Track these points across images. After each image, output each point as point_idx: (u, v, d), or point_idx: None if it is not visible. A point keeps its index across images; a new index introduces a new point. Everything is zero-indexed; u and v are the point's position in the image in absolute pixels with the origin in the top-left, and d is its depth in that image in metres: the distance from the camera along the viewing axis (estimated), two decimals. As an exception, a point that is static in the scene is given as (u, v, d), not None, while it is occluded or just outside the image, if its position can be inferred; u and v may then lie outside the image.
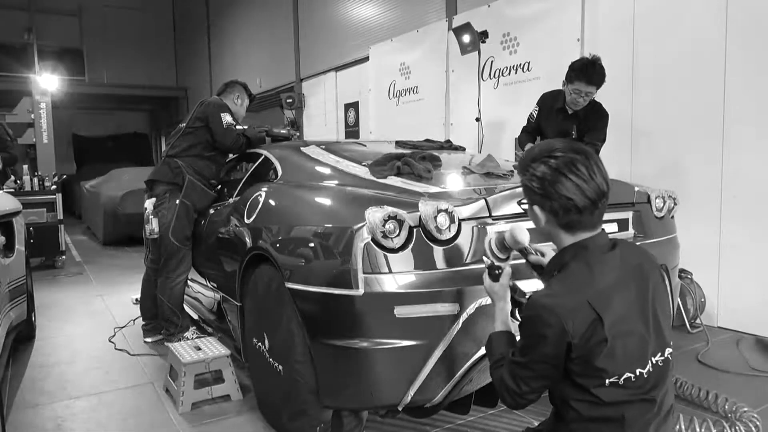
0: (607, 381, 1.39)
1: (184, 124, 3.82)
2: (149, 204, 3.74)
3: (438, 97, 6.34)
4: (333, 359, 2.13)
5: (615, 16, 4.50)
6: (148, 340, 3.94)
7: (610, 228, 2.55)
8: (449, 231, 2.05)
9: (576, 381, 1.42)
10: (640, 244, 2.58)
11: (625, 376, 1.39)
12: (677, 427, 2.34)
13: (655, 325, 1.45)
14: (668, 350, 1.47)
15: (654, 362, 1.43)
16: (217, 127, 3.68)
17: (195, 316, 4.11)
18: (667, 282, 1.51)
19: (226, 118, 3.70)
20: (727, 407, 2.57)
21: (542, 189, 1.46)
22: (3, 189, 6.15)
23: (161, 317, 3.78)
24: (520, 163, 1.58)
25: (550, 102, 3.87)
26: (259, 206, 2.77)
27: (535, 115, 3.99)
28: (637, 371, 1.40)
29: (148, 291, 3.93)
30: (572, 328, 1.36)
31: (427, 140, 3.90)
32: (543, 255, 1.80)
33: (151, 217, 3.69)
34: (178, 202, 3.64)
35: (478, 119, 5.23)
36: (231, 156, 4.09)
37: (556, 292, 1.44)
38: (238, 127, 3.79)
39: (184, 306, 3.89)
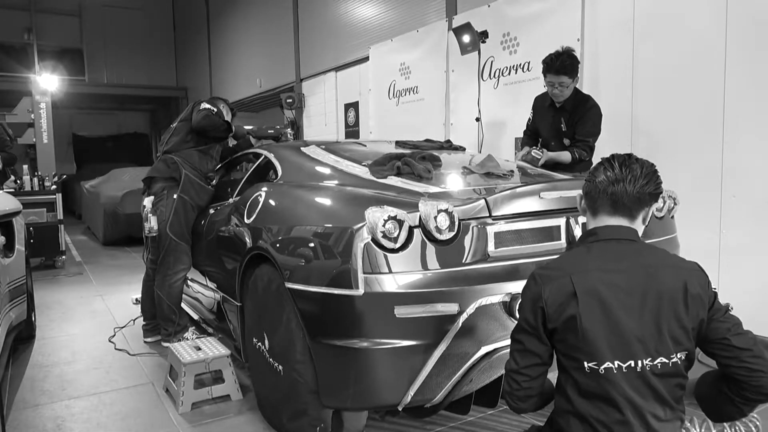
0: (586, 364, 1.41)
1: (176, 122, 3.88)
2: (147, 202, 3.75)
3: (438, 97, 6.33)
4: (333, 359, 2.13)
5: (615, 16, 4.49)
6: (148, 340, 3.95)
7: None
8: (449, 231, 2.05)
9: (562, 363, 1.47)
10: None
11: (605, 365, 1.40)
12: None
13: (656, 329, 1.42)
14: (664, 359, 1.42)
15: (642, 363, 1.41)
16: (195, 112, 3.75)
17: (195, 316, 4.11)
18: (693, 303, 1.45)
19: (205, 105, 3.76)
20: (727, 407, 2.57)
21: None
22: (3, 189, 6.15)
23: (159, 316, 3.78)
24: None
25: (541, 101, 3.95)
26: (259, 206, 2.77)
27: (531, 118, 4.06)
28: (617, 363, 1.41)
29: (148, 291, 3.93)
30: (547, 294, 1.45)
31: (427, 140, 3.90)
32: None
33: (149, 215, 3.70)
34: (175, 197, 3.66)
35: (478, 119, 5.23)
36: (231, 153, 4.10)
37: (549, 264, 1.55)
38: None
39: (183, 305, 3.89)
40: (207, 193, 3.80)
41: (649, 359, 1.42)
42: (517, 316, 1.55)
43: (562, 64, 3.58)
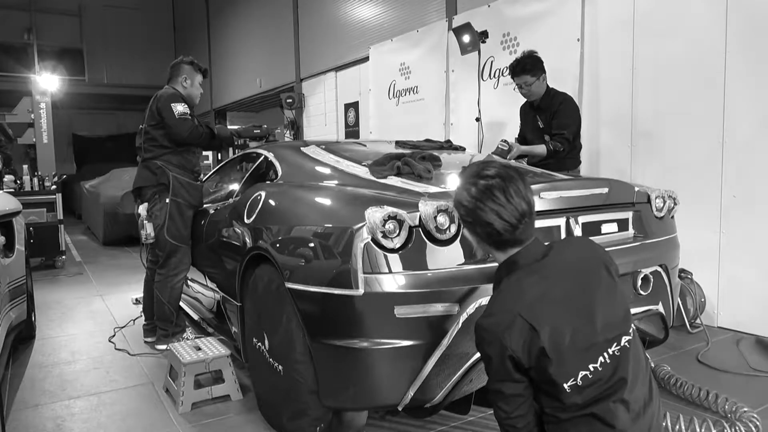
0: (565, 385, 1.43)
1: (145, 124, 3.74)
2: (142, 209, 3.73)
3: (438, 97, 6.33)
4: (333, 359, 2.13)
5: (615, 16, 4.50)
6: (149, 339, 3.94)
7: (610, 228, 2.55)
8: (449, 231, 2.05)
9: (543, 388, 1.48)
10: (639, 244, 2.58)
11: (581, 375, 1.43)
12: (677, 427, 2.34)
13: (603, 317, 1.48)
14: (625, 338, 1.50)
15: (609, 353, 1.46)
16: (170, 119, 3.57)
17: (195, 317, 4.11)
18: (614, 272, 1.61)
19: (178, 108, 3.58)
20: (727, 407, 2.57)
21: (466, 216, 1.58)
22: (3, 189, 6.15)
23: (158, 317, 3.78)
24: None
25: (524, 106, 4.21)
26: (259, 206, 2.77)
27: (520, 125, 4.28)
28: (591, 367, 1.44)
29: (149, 291, 3.93)
30: (510, 342, 1.43)
31: (427, 140, 3.90)
32: None
33: (145, 222, 3.68)
34: (168, 201, 3.64)
35: (478, 119, 5.22)
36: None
37: (490, 311, 1.53)
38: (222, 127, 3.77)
39: (183, 305, 3.89)
40: (198, 190, 3.77)
41: (612, 347, 1.47)
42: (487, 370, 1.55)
43: (522, 65, 3.89)
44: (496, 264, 2.14)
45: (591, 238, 2.43)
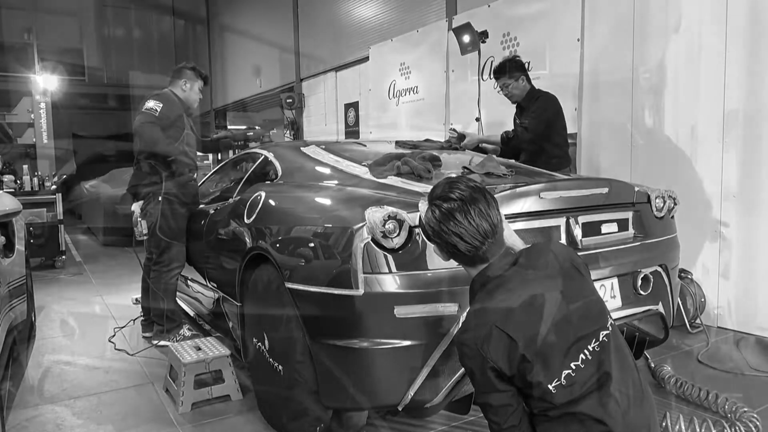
0: (550, 386, 1.44)
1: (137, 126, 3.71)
2: (136, 207, 3.77)
3: (438, 97, 6.33)
4: (333, 359, 2.13)
5: (615, 16, 4.50)
6: (147, 334, 3.97)
7: (610, 228, 2.55)
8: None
9: (529, 392, 1.49)
10: (639, 244, 2.58)
11: (564, 375, 1.44)
12: (677, 427, 2.34)
13: (578, 315, 1.49)
14: (604, 332, 1.51)
15: (590, 350, 1.47)
16: (138, 144, 3.62)
17: (194, 316, 4.11)
18: (584, 269, 1.64)
19: (149, 103, 3.60)
20: (727, 407, 2.57)
21: (433, 236, 1.61)
22: (3, 189, 6.15)
23: (154, 312, 3.82)
24: None
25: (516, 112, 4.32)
26: (259, 206, 2.77)
27: None
28: (573, 365, 1.45)
29: (146, 287, 3.96)
30: (489, 354, 1.45)
31: (427, 140, 3.91)
32: None
33: (139, 219, 3.72)
34: (161, 198, 3.66)
35: (478, 119, 5.22)
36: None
37: (467, 326, 1.55)
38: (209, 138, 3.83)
39: (182, 304, 3.90)
40: (191, 188, 3.79)
41: (591, 344, 1.48)
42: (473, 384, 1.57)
43: (501, 67, 4.04)
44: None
45: (591, 237, 2.44)
